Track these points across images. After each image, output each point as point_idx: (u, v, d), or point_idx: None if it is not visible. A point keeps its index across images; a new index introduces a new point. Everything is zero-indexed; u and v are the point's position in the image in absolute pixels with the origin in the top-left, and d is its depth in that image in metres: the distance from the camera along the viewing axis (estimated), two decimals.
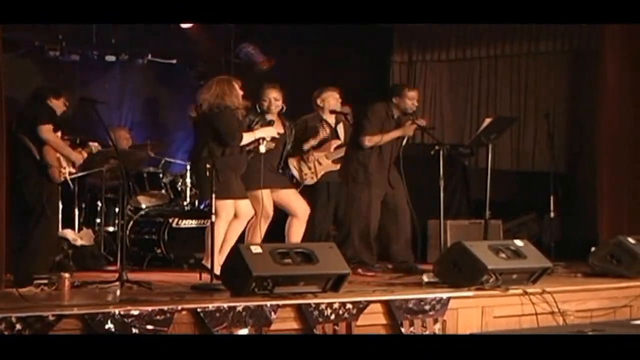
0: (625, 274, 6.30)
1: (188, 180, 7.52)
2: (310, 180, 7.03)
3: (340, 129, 7.28)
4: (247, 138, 6.05)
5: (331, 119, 7.22)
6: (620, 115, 7.72)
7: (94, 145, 6.44)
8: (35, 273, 5.54)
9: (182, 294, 5.07)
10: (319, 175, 7.10)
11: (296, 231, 6.52)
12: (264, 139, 6.16)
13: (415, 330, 5.04)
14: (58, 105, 6.13)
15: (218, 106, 5.89)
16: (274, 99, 6.43)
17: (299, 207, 6.55)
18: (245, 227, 6.18)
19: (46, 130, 5.86)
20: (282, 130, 6.44)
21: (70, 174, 6.24)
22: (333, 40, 8.67)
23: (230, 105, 5.93)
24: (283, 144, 6.52)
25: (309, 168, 6.97)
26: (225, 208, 5.83)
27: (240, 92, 6.04)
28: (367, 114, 7.00)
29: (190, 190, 7.60)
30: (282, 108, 6.49)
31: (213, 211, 5.62)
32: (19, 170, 5.75)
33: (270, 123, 6.34)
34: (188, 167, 7.52)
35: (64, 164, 6.01)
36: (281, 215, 6.57)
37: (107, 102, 7.11)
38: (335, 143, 7.17)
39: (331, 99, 7.07)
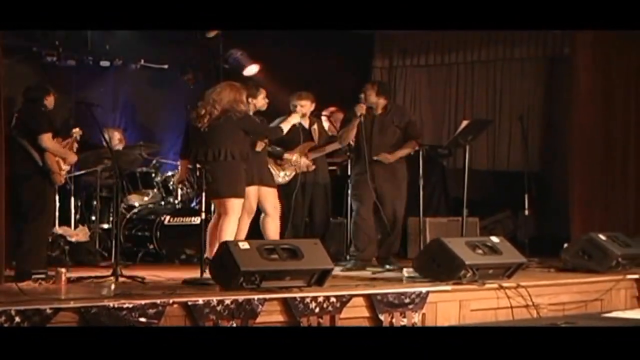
0: (596, 269, 6.45)
1: None
2: (283, 180, 7.06)
3: (315, 131, 7.33)
4: (285, 128, 6.56)
5: (305, 121, 7.25)
6: (592, 117, 7.84)
7: (76, 131, 6.36)
8: (30, 270, 5.59)
9: (174, 288, 5.16)
10: (292, 176, 7.13)
11: (270, 227, 6.61)
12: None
13: (395, 323, 5.16)
14: (50, 102, 6.12)
15: (239, 111, 6.03)
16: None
17: (269, 205, 6.63)
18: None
19: (47, 140, 5.88)
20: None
21: (67, 172, 6.29)
22: (317, 46, 8.73)
23: (246, 110, 6.18)
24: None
25: (284, 169, 7.04)
26: (239, 206, 6.04)
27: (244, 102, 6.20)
28: None
29: (181, 189, 7.65)
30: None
31: (236, 210, 5.95)
32: (18, 172, 5.76)
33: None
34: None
35: (63, 166, 6.04)
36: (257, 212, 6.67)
37: (102, 105, 7.16)
38: (308, 145, 7.22)
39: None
